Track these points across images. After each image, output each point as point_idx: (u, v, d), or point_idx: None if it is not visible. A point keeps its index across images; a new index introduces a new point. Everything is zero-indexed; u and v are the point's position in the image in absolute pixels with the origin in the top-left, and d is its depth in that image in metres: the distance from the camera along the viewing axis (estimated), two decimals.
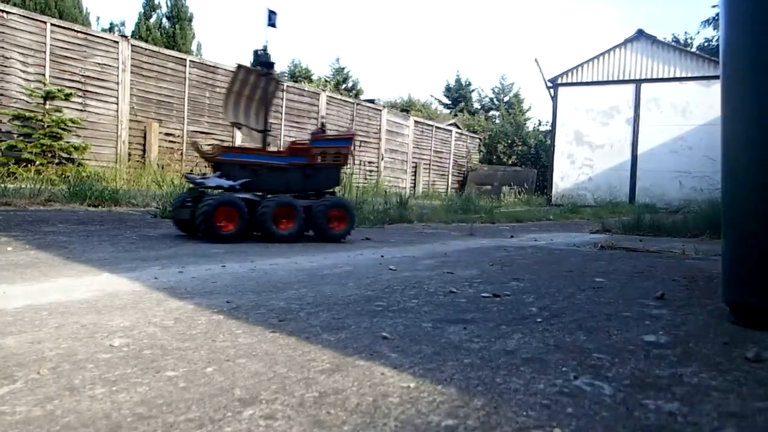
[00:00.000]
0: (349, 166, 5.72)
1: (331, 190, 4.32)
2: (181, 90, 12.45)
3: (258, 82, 4.23)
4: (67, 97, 10.13)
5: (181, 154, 12.52)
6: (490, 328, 1.60)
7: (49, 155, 9.62)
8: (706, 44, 28.62)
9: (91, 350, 1.31)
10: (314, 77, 31.08)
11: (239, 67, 4.29)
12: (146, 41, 17.21)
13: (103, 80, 11.09)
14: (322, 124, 4.97)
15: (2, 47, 9.72)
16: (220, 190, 3.91)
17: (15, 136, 9.66)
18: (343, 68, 34.24)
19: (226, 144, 13.01)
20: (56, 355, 1.27)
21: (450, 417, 0.97)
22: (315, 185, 4.23)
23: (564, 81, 17.48)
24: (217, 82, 13.10)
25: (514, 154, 23.11)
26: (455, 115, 31.38)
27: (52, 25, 10.40)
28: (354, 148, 4.44)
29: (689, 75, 15.87)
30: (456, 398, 1.06)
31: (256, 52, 4.28)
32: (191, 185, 4.08)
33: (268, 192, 4.03)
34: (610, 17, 69.27)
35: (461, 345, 1.42)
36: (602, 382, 1.16)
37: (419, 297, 2.04)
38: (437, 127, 21.58)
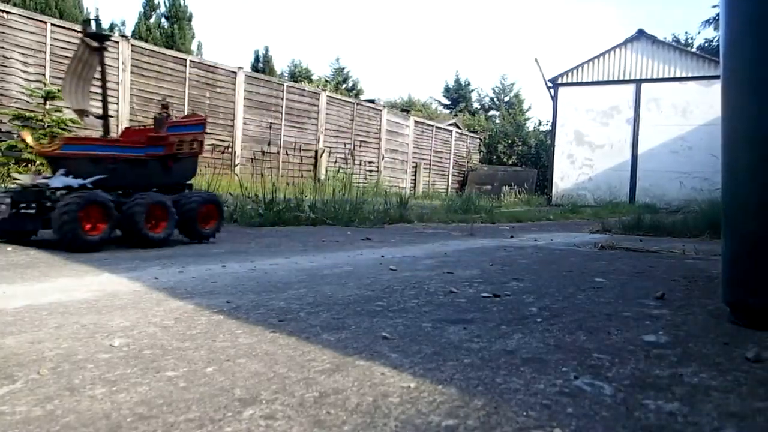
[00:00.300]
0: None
1: (190, 182, 3.93)
2: (181, 90, 12.45)
3: (92, 58, 3.62)
4: None
5: None
6: (490, 328, 1.60)
7: None
8: (706, 44, 28.62)
9: (91, 350, 1.31)
10: (314, 77, 31.09)
11: (81, 42, 3.64)
12: (146, 41, 17.21)
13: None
14: (164, 106, 4.09)
15: (2, 47, 9.72)
16: (64, 191, 3.27)
17: (15, 136, 9.67)
18: (343, 68, 34.29)
19: (226, 144, 13.03)
20: (56, 355, 1.27)
21: (450, 417, 0.97)
22: (175, 178, 3.77)
23: (564, 81, 17.47)
24: (217, 82, 13.10)
25: (515, 154, 23.11)
26: (455, 115, 31.38)
27: (52, 25, 10.40)
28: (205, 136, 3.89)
29: (689, 75, 15.86)
30: (456, 398, 1.06)
31: (86, 20, 3.58)
32: (22, 186, 3.36)
33: (127, 189, 3.54)
34: (610, 17, 69.28)
35: (461, 345, 1.42)
36: (602, 382, 1.16)
37: (419, 297, 2.04)
38: (437, 127, 21.58)
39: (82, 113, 3.74)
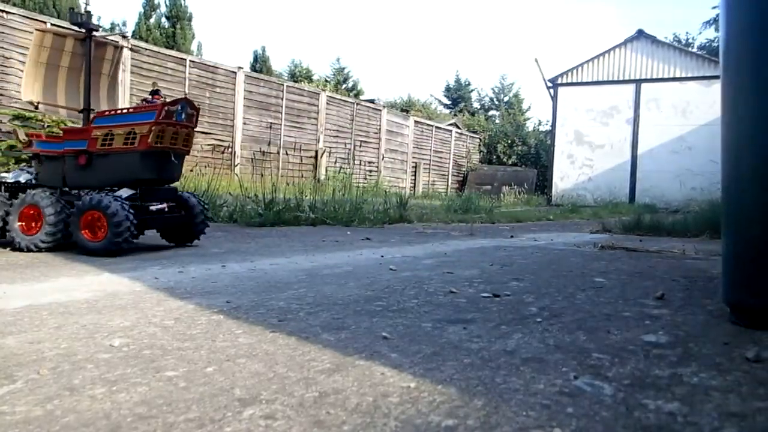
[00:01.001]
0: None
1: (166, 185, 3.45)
2: (181, 90, 12.45)
3: (79, 48, 3.39)
4: None
5: None
6: (490, 328, 1.60)
7: None
8: (707, 44, 28.60)
9: (91, 350, 1.31)
10: (314, 77, 31.06)
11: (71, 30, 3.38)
12: (146, 41, 17.22)
13: None
14: (155, 91, 3.61)
15: (2, 47, 9.73)
16: None
17: (14, 136, 9.67)
18: (344, 68, 34.20)
19: (226, 144, 13.03)
20: (56, 355, 1.27)
21: (450, 417, 0.97)
22: (104, 178, 3.21)
23: (564, 81, 17.47)
24: (217, 82, 13.10)
25: (514, 154, 23.11)
26: (455, 115, 31.36)
27: (51, 24, 10.40)
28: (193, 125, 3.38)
29: (689, 75, 15.86)
30: (456, 398, 1.06)
31: (71, 9, 3.31)
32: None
33: (46, 188, 3.27)
34: (610, 17, 69.19)
35: (461, 345, 1.42)
36: (602, 382, 1.16)
37: (419, 297, 2.04)
38: (437, 127, 21.58)
39: (48, 107, 3.49)
